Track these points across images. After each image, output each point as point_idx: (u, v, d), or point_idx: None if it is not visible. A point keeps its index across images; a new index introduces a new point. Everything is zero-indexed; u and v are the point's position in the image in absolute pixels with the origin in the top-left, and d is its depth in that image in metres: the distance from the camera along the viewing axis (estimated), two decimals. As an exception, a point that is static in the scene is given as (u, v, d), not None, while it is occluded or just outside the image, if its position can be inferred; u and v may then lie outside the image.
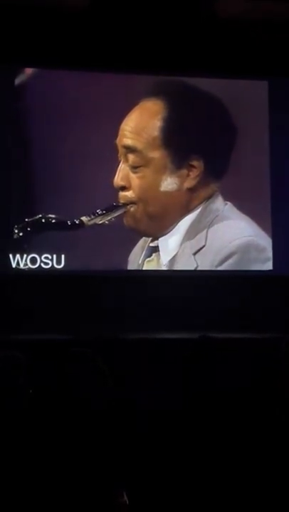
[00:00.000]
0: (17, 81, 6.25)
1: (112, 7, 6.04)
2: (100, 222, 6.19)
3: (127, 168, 6.26)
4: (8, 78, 6.23)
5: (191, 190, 6.38)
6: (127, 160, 6.26)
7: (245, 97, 6.59)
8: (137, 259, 6.33)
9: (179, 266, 6.36)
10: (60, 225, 6.16)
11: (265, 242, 6.50)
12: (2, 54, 6.02)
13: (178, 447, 2.30)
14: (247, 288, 6.34)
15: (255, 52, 6.43)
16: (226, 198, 6.46)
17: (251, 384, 2.62)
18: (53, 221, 6.15)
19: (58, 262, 6.14)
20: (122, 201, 6.25)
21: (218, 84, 6.54)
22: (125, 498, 2.57)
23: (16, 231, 6.10)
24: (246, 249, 6.41)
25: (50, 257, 6.13)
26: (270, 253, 6.50)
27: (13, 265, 6.06)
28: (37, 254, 6.10)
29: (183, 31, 6.26)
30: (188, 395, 2.37)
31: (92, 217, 6.17)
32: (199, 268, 6.34)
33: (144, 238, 6.35)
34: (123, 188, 6.25)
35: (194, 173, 6.36)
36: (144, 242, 6.36)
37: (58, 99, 6.31)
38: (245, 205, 6.48)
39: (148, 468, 2.34)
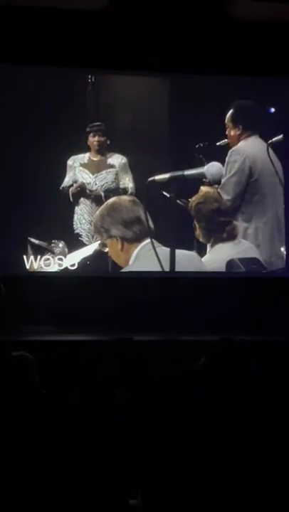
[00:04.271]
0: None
1: (129, 9, 6.03)
2: None
3: None
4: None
5: None
6: None
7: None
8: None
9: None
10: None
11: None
12: (21, 55, 6.03)
13: (192, 449, 2.29)
14: (261, 291, 6.32)
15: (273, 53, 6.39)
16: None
17: (268, 385, 2.61)
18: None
19: (72, 263, 6.16)
20: None
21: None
22: (139, 499, 2.57)
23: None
24: None
25: (63, 258, 6.15)
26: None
27: (27, 266, 6.07)
28: (50, 255, 6.12)
29: (199, 33, 6.25)
30: (203, 397, 2.36)
31: None
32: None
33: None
34: None
35: None
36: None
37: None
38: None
39: (162, 469, 2.34)
